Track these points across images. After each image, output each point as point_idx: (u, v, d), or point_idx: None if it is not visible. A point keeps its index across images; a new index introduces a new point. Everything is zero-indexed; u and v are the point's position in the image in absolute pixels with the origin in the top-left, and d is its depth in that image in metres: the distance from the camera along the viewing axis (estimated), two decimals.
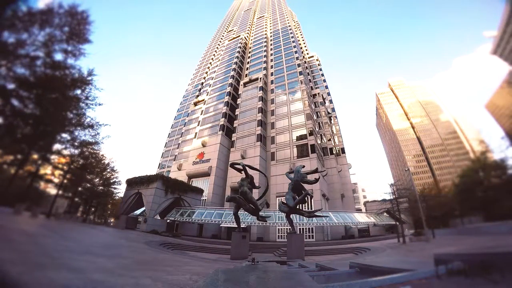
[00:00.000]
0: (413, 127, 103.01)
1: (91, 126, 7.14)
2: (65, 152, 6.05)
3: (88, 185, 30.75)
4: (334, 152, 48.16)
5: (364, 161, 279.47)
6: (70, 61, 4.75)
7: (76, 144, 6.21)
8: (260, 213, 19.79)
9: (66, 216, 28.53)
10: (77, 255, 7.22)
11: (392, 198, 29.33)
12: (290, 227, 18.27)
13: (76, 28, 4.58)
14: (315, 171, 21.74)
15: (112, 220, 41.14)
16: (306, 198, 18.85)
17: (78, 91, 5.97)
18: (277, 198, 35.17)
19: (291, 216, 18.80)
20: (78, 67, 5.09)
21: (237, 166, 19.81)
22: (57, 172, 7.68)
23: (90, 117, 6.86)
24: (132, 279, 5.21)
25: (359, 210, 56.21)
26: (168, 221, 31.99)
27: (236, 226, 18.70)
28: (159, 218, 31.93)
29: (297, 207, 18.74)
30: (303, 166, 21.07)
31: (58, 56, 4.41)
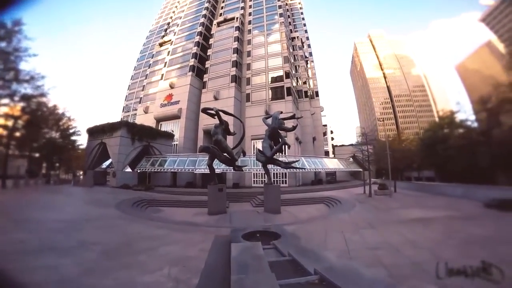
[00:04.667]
0: (385, 77, 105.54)
1: (29, 80, 5.92)
2: (4, 109, 4.71)
3: (44, 140, 27.10)
4: (308, 95, 48.04)
5: (334, 104, 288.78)
6: None
7: (16, 98, 5.07)
8: (236, 163, 19.24)
9: (26, 181, 25.16)
10: (33, 259, 5.74)
11: (359, 142, 30.85)
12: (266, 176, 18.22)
13: None
14: (293, 117, 20.95)
15: (81, 173, 38.39)
16: (283, 146, 18.43)
17: (3, 44, 4.24)
18: (252, 141, 35.13)
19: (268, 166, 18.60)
20: None
21: (209, 111, 18.07)
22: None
23: (26, 70, 5.42)
24: None
25: (327, 153, 59.97)
26: (138, 171, 30.32)
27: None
28: (130, 170, 30.26)
29: (274, 156, 18.42)
30: (281, 112, 20.09)
31: None
